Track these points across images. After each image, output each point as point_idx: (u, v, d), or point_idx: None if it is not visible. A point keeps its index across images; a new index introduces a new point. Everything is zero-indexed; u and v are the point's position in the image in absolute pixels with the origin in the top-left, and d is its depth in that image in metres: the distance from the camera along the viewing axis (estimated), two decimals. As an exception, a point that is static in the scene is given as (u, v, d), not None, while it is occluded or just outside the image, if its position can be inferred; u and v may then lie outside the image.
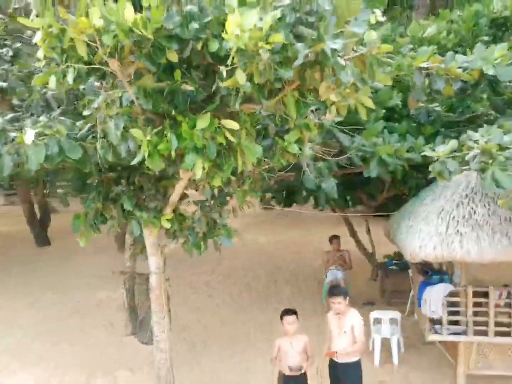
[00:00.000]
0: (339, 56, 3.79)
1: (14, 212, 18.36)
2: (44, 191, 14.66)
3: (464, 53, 9.15)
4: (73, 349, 8.22)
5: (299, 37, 3.86)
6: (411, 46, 9.42)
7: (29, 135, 4.58)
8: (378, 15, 4.41)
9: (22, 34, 7.42)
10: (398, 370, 7.35)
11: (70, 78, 4.20)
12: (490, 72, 6.43)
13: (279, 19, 3.67)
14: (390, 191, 9.17)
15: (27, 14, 6.37)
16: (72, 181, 6.27)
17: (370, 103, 4.29)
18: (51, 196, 16.02)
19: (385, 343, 7.59)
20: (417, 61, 6.60)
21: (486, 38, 9.88)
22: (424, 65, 6.62)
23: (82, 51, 3.85)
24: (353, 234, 11.14)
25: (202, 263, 12.28)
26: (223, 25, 3.71)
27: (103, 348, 8.23)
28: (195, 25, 3.93)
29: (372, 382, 6.89)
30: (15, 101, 7.22)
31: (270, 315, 8.60)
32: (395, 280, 9.46)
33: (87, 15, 3.75)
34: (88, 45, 3.90)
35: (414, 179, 7.95)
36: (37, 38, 4.21)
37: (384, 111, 7.85)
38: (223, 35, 3.57)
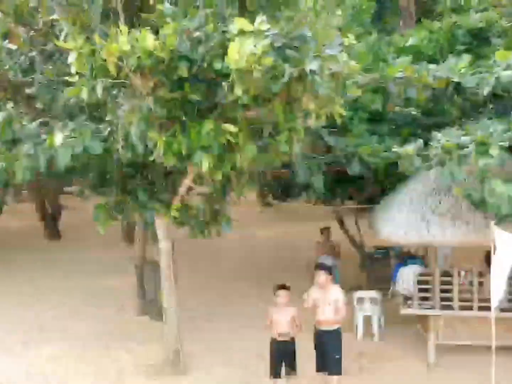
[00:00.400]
0: (316, 74, 4.76)
1: (24, 209, 19.29)
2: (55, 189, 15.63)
3: (444, 61, 10.21)
4: (89, 326, 9.21)
5: (286, 58, 4.83)
6: (395, 54, 10.41)
7: (58, 138, 5.58)
8: (351, 39, 5.40)
9: (45, 46, 8.31)
10: (377, 344, 8.36)
11: (99, 90, 5.18)
12: (455, 79, 7.39)
13: (270, 45, 4.64)
14: (375, 187, 10.12)
15: (52, 28, 7.42)
16: (93, 177, 7.20)
17: (341, 111, 5.25)
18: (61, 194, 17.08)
19: (367, 320, 8.59)
20: (392, 71, 7.59)
21: (462, 47, 10.86)
22: (399, 74, 7.62)
23: (112, 69, 4.84)
24: (343, 226, 12.09)
25: (204, 254, 13.31)
26: (224, 47, 4.71)
27: (117, 325, 9.24)
28: (201, 49, 4.92)
29: (353, 353, 7.91)
30: (39, 105, 8.20)
31: (265, 296, 9.56)
32: (379, 267, 10.42)
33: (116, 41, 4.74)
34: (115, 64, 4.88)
35: (395, 175, 8.86)
36: (72, 57, 5.20)
37: (367, 114, 8.82)
38: (226, 59, 4.54)
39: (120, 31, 4.73)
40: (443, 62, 9.54)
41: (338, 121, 5.44)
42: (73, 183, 13.25)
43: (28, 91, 7.96)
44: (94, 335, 8.88)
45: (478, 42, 11.14)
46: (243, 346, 8.29)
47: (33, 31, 7.68)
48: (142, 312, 9.58)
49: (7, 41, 7.86)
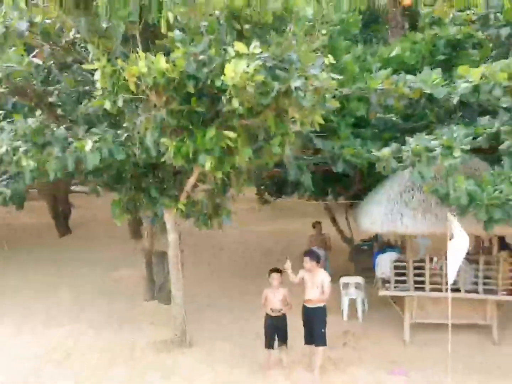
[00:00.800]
0: (300, 90, 5.80)
1: (35, 207, 20.28)
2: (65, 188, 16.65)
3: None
4: (103, 310, 10.26)
5: (275, 77, 5.87)
6: (379, 64, 11.44)
7: (89, 144, 6.63)
8: (330, 59, 6.42)
9: (65, 59, 9.31)
10: (360, 323, 9.42)
11: (120, 103, 6.23)
12: (428, 91, 8.42)
13: (261, 65, 5.67)
14: (359, 185, 11.15)
15: (73, 44, 8.43)
16: (111, 176, 8.23)
17: (320, 120, 6.28)
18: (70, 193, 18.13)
19: (352, 303, 9.65)
20: (373, 83, 8.63)
21: (442, 57, 11.89)
22: (379, 86, 8.65)
23: (133, 87, 5.89)
24: (334, 221, 13.14)
25: (206, 248, 14.33)
26: (224, 68, 5.75)
27: (128, 309, 10.29)
28: (205, 69, 5.97)
29: (339, 332, 8.99)
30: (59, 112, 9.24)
31: (262, 284, 10.61)
32: (365, 258, 11.44)
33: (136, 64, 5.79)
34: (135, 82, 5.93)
35: (375, 175, 9.88)
36: (97, 75, 6.25)
37: (353, 119, 9.85)
38: (223, 77, 5.58)
39: (139, 56, 5.78)
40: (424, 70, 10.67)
41: (324, 126, 6.46)
42: (81, 183, 14.22)
43: (50, 99, 9.03)
44: (108, 317, 9.92)
45: (457, 53, 12.16)
46: (242, 327, 9.36)
47: (55, 47, 8.71)
48: (151, 297, 10.63)
49: (31, 56, 8.91)
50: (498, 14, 9.47)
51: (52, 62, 8.89)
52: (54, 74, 8.92)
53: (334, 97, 6.41)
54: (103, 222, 18.14)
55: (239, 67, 5.55)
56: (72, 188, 17.79)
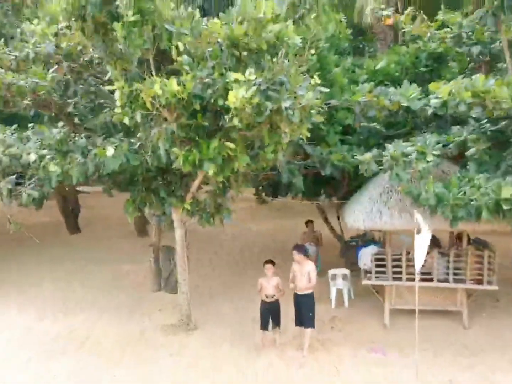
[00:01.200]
0: (290, 109, 6.89)
1: (45, 205, 21.32)
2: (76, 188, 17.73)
3: (409, 79, 12.39)
4: (114, 300, 11.36)
5: (268, 98, 6.95)
6: (366, 76, 12.54)
7: (109, 151, 7.72)
8: (316, 79, 7.50)
9: (82, 74, 10.36)
10: (346, 310, 10.53)
11: (138, 118, 7.33)
12: (405, 104, 9.50)
13: (256, 89, 6.76)
14: (348, 187, 12.21)
15: (90, 62, 9.52)
16: (125, 178, 9.31)
17: (307, 133, 7.38)
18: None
19: (339, 292, 10.76)
20: (356, 96, 9.72)
21: (425, 69, 12.98)
22: (362, 99, 9.74)
23: (149, 105, 6.99)
24: (326, 219, 14.22)
25: (207, 245, 15.41)
26: (225, 90, 6.85)
27: (137, 299, 11.39)
28: (209, 90, 7.06)
29: (327, 317, 10.10)
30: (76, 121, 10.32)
31: (258, 277, 11.70)
32: (353, 253, 12.51)
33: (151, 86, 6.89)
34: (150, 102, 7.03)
35: (360, 178, 10.93)
36: (116, 94, 7.35)
37: (340, 127, 10.94)
38: (227, 101, 6.67)
39: (154, 79, 6.87)
40: (408, 81, 11.76)
41: (314, 134, 7.56)
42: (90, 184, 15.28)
43: (68, 110, 10.12)
44: (119, 306, 11.02)
45: (438, 65, 13.25)
46: (240, 314, 10.44)
47: (75, 64, 9.77)
48: (158, 288, 11.72)
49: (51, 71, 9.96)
50: (470, 33, 10.54)
51: (70, 76, 9.98)
52: (71, 87, 9.96)
53: (319, 112, 7.45)
54: (109, 221, 19.32)
55: (239, 94, 6.64)
56: (80, 188, 18.91)
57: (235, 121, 6.80)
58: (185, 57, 7.27)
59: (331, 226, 14.22)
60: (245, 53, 7.34)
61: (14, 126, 9.64)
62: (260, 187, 13.94)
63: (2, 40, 9.63)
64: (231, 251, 15.23)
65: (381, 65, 12.97)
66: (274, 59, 7.19)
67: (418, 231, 7.54)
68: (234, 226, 15.76)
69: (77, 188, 19.37)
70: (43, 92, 9.23)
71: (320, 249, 13.07)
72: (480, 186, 7.99)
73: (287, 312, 9.17)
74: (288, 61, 7.26)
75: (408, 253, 9.56)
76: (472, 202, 7.91)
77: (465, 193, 8.05)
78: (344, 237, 14.11)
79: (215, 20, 7.55)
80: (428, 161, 8.47)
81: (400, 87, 10.02)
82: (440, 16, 11.40)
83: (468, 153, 8.91)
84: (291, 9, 8.50)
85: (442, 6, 11.61)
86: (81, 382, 8.02)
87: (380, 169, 8.93)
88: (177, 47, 7.19)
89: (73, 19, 7.77)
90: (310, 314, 8.66)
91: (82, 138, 8.75)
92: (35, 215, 20.11)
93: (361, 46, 17.86)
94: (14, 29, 13.78)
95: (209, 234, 15.59)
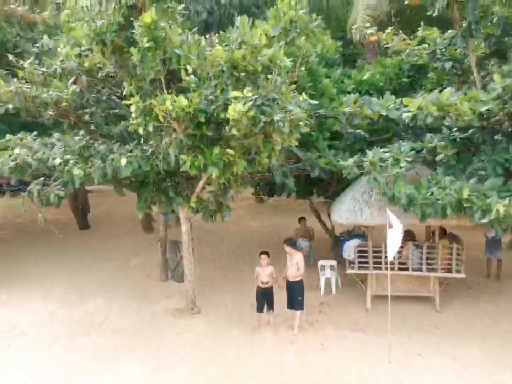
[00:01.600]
0: (281, 121, 8.15)
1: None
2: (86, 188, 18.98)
3: (394, 88, 13.72)
4: (126, 289, 12.63)
5: (262, 112, 8.20)
6: (353, 86, 13.79)
7: (123, 161, 8.99)
8: (304, 96, 8.76)
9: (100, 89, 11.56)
10: (334, 297, 11.82)
11: (150, 128, 8.60)
12: (384, 113, 10.77)
13: (252, 104, 8.01)
14: (336, 187, 13.47)
15: (107, 76, 10.76)
16: (137, 181, 10.57)
17: (295, 142, 8.64)
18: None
19: (328, 281, 12.04)
20: (342, 107, 11.00)
21: (406, 79, 14.25)
22: (347, 109, 11.02)
23: (161, 118, 8.26)
24: (318, 216, 15.48)
25: (208, 241, 16.68)
26: (226, 105, 8.12)
27: (147, 287, 12.68)
28: (213, 106, 8.34)
29: (316, 303, 11.39)
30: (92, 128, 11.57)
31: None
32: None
33: (163, 102, 8.16)
34: (163, 115, 8.31)
35: (345, 180, 12.08)
36: (132, 108, 8.62)
37: (329, 134, 12.19)
38: (227, 113, 7.94)
39: (166, 97, 8.14)
40: (392, 90, 13.01)
41: (305, 140, 8.87)
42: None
43: (85, 118, 11.38)
44: (131, 294, 12.30)
45: (419, 75, 14.52)
46: (239, 300, 11.70)
47: (93, 78, 11.01)
48: (165, 278, 13.01)
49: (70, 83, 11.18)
50: (444, 50, 11.80)
51: (87, 88, 11.23)
52: (88, 98, 11.18)
53: (306, 124, 8.72)
54: (116, 219, 20.62)
55: (237, 107, 7.91)
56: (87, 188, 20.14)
57: (234, 131, 8.06)
58: (192, 77, 8.53)
59: (322, 223, 15.49)
60: (243, 73, 8.60)
61: (35, 133, 10.82)
62: (257, 187, 15.28)
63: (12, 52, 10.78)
64: (230, 245, 16.53)
65: (367, 76, 14.25)
66: (270, 76, 8.45)
67: (391, 226, 8.78)
68: (234, 223, 17.05)
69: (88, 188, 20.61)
70: (65, 104, 10.48)
71: (312, 243, 14.36)
72: (445, 187, 9.24)
73: (280, 299, 10.43)
74: (281, 77, 8.53)
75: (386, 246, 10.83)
76: (438, 201, 9.17)
77: (432, 193, 9.31)
78: (334, 232, 15.38)
79: (218, 36, 8.99)
80: (401, 167, 9.74)
81: (383, 96, 11.33)
82: (420, 32, 12.67)
83: (437, 158, 10.18)
84: (283, 32, 9.83)
85: (422, 23, 12.89)
86: (102, 357, 9.28)
87: (361, 173, 10.21)
88: (185, 68, 8.46)
89: (94, 43, 9.06)
90: (300, 298, 9.94)
91: (101, 145, 9.98)
92: (45, 212, 21.43)
93: (352, 54, 19.11)
94: (29, 43, 15.08)
95: (211, 230, 16.89)
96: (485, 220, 8.52)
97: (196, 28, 10.11)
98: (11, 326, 10.58)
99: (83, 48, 9.60)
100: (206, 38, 9.84)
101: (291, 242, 10.09)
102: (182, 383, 8.45)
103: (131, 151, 9.36)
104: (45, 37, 11.93)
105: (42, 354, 9.44)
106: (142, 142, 9.97)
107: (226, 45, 9.02)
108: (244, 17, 9.62)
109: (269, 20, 9.87)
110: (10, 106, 10.48)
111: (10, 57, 10.64)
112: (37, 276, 13.71)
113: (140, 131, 8.74)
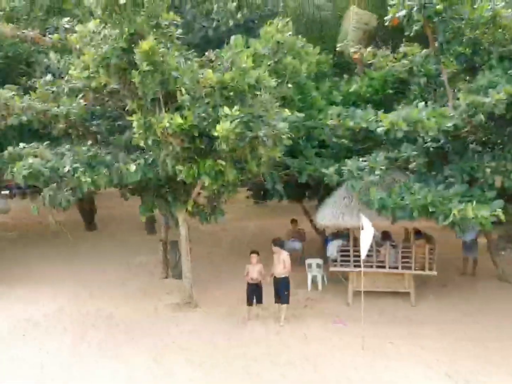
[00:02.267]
0: (265, 136, 9.24)
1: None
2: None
3: (379, 99, 14.72)
4: (130, 285, 13.79)
5: (248, 128, 9.29)
6: (341, 97, 14.84)
7: (132, 168, 10.12)
8: (287, 112, 9.86)
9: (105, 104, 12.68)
10: (320, 293, 12.91)
11: (150, 142, 9.73)
12: (364, 125, 11.81)
13: (239, 122, 9.10)
14: (324, 192, 14.52)
15: (111, 92, 11.88)
16: (139, 186, 11.69)
17: (278, 154, 9.74)
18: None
19: (314, 278, 13.13)
20: (325, 120, 12.07)
21: (391, 91, 15.27)
22: (331, 121, 12.09)
23: (159, 133, 9.38)
24: (309, 218, 16.55)
25: (205, 241, 17.79)
26: (217, 121, 9.22)
27: (149, 284, 13.85)
28: (205, 122, 9.45)
29: (303, 298, 12.49)
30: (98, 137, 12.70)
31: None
32: (329, 247, 14.85)
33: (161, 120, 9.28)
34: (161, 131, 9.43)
35: (329, 185, 13.10)
36: (134, 124, 9.75)
37: (316, 143, 13.27)
38: (216, 131, 9.04)
39: (164, 116, 9.26)
40: (377, 100, 13.99)
41: (294, 148, 10.00)
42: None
43: (93, 129, 12.52)
44: (135, 289, 13.45)
45: (403, 87, 15.53)
46: (231, 296, 12.77)
47: (98, 94, 12.13)
48: (166, 275, 14.16)
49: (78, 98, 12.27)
50: (420, 67, 12.84)
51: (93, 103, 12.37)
52: (94, 111, 12.34)
53: (289, 138, 9.84)
54: (120, 220, 21.81)
55: (226, 125, 9.00)
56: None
57: (223, 146, 9.16)
58: (186, 96, 9.64)
59: (313, 224, 16.55)
60: (231, 93, 9.69)
61: (47, 142, 11.91)
62: (251, 192, 16.42)
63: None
64: (226, 245, 17.68)
65: (354, 88, 15.29)
66: (258, 93, 9.55)
67: (363, 229, 9.85)
68: (229, 224, 18.19)
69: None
70: (74, 117, 11.60)
71: (304, 244, 15.45)
72: (415, 193, 10.31)
73: (269, 293, 11.48)
74: (268, 95, 9.63)
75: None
76: (407, 205, 10.24)
77: (403, 198, 10.38)
78: (324, 233, 16.46)
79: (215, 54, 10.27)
80: (375, 174, 10.80)
81: (372, 106, 12.36)
82: (401, 48, 13.71)
83: (410, 166, 11.25)
84: (271, 53, 10.93)
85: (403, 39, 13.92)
86: (109, 346, 10.38)
87: (343, 179, 11.30)
88: (180, 90, 9.57)
89: (100, 66, 10.18)
90: (286, 292, 11.03)
91: (107, 154, 11.09)
92: (54, 215, 22.61)
93: (346, 64, 20.15)
94: (41, 54, 16.22)
95: (208, 229, 17.98)
96: (445, 223, 9.58)
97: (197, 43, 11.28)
98: (26, 318, 11.71)
99: (91, 71, 10.70)
100: (204, 54, 11.11)
101: (278, 243, 11.17)
102: (179, 369, 9.52)
103: (135, 160, 10.47)
104: (52, 53, 13.13)
105: (53, 343, 10.53)
106: (144, 151, 11.10)
107: (220, 64, 10.16)
108: (238, 37, 10.80)
109: (260, 39, 11.01)
110: (24, 118, 11.62)
111: (23, 67, 11.78)
112: (47, 275, 14.86)
113: (141, 143, 9.86)
